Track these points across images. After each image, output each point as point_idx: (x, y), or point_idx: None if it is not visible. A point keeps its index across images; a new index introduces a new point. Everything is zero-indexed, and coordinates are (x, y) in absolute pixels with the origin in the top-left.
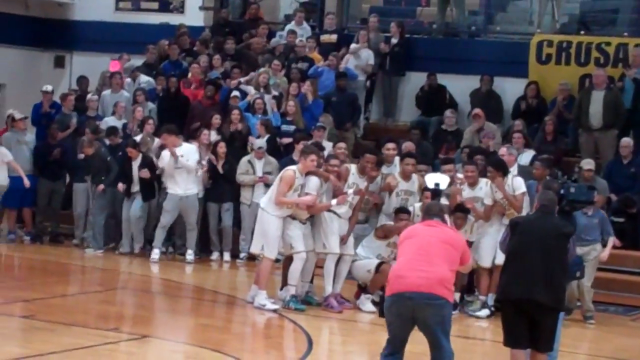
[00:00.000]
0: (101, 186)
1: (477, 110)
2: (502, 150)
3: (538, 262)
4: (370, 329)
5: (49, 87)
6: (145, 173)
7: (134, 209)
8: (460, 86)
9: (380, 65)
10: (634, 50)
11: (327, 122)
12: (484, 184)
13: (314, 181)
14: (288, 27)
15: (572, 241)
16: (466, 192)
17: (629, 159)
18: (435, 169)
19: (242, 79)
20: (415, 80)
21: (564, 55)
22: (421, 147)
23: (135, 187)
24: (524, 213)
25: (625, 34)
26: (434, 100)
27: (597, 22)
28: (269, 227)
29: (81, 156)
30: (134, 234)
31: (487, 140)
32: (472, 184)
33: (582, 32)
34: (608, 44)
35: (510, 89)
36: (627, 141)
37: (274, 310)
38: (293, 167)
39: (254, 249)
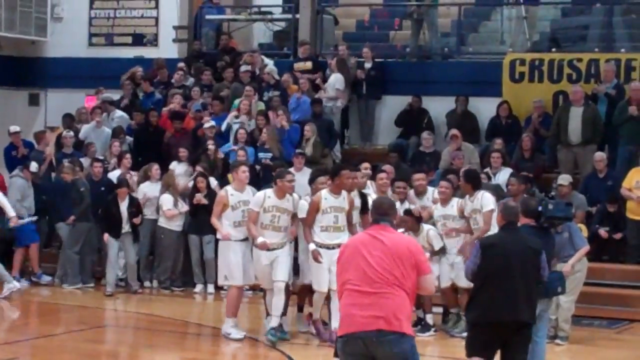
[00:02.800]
0: (72, 217)
1: (454, 131)
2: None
3: (519, 282)
4: None
5: (16, 128)
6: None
7: (130, 253)
8: (436, 107)
9: (355, 90)
10: (605, 65)
11: (312, 131)
12: (456, 202)
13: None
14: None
15: (543, 257)
16: (438, 211)
17: (604, 172)
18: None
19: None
20: (392, 104)
21: (537, 72)
22: (400, 170)
23: (125, 227)
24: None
25: (596, 49)
26: (414, 122)
27: (568, 39)
28: (227, 252)
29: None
30: (129, 276)
31: (457, 161)
32: (444, 201)
33: (554, 50)
34: (580, 60)
35: (485, 108)
36: (600, 155)
37: (239, 339)
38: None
39: (220, 281)
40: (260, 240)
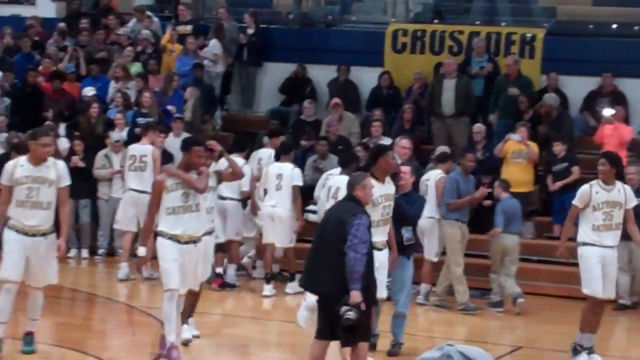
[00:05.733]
0: None
1: (336, 100)
2: None
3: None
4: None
5: None
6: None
7: None
8: (318, 76)
9: (237, 55)
10: (478, 42)
11: (192, 95)
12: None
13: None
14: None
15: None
16: None
17: (482, 144)
18: (298, 159)
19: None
20: (273, 71)
21: (419, 44)
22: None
23: None
24: None
25: (478, 22)
26: (297, 90)
27: (451, 11)
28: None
29: None
30: None
31: (332, 129)
32: None
33: (436, 21)
34: (461, 32)
35: (367, 78)
36: (479, 127)
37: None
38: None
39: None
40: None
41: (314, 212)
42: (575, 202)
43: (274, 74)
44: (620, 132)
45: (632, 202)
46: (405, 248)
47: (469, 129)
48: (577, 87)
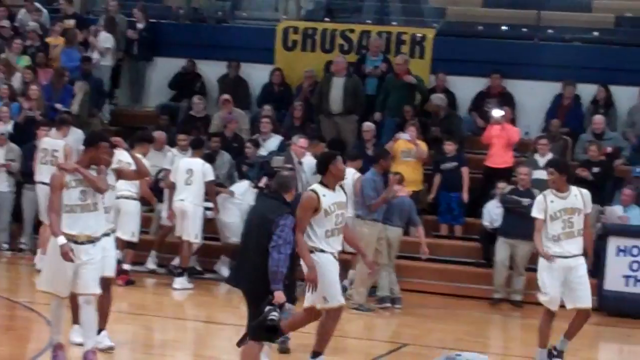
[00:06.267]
0: None
1: (226, 96)
2: None
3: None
4: None
5: None
6: None
7: None
8: (208, 72)
9: (127, 50)
10: (374, 39)
11: (80, 89)
12: None
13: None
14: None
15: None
16: None
17: (372, 142)
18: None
19: None
20: (164, 66)
21: (310, 42)
22: (170, 133)
23: None
24: None
25: (369, 21)
26: (187, 85)
27: (343, 9)
28: None
29: None
30: None
31: (232, 125)
32: None
33: (327, 20)
34: (352, 31)
35: (257, 75)
36: (368, 125)
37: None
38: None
39: None
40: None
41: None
42: (534, 214)
43: (163, 69)
44: (508, 132)
45: (589, 207)
46: None
47: (357, 127)
48: (466, 88)
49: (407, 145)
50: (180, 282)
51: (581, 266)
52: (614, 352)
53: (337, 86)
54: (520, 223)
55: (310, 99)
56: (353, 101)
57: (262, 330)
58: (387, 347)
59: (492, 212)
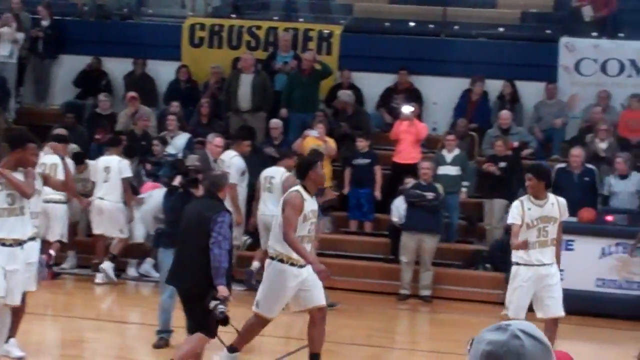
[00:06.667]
0: None
1: (132, 94)
2: None
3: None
4: None
5: None
6: None
7: None
8: (114, 69)
9: (31, 47)
10: (282, 35)
11: None
12: None
13: None
14: None
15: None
16: None
17: (279, 139)
18: (93, 152)
19: None
20: (69, 63)
21: (216, 38)
22: (76, 131)
23: None
24: None
25: (276, 18)
26: (93, 83)
27: (249, 6)
28: None
29: None
30: None
31: (142, 123)
32: None
33: (234, 16)
34: (259, 27)
35: (164, 71)
36: (276, 122)
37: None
38: None
39: None
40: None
41: None
42: (511, 220)
43: (69, 67)
44: (417, 128)
45: (565, 215)
46: (159, 236)
47: (266, 123)
48: (374, 84)
49: (315, 142)
50: (101, 276)
51: (554, 275)
52: None
53: (245, 83)
54: (425, 217)
55: (218, 95)
56: (261, 98)
57: (215, 323)
58: (296, 344)
59: (401, 208)
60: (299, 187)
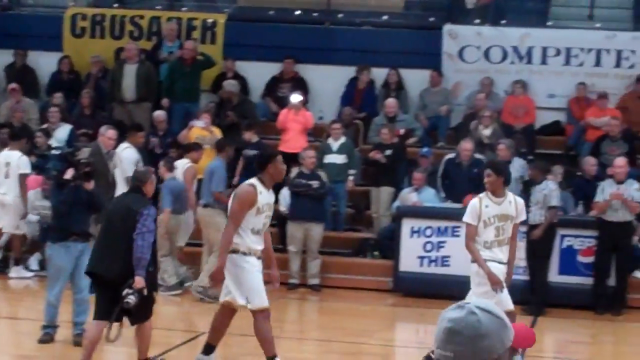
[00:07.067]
0: None
1: (13, 85)
2: None
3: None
4: None
5: None
6: None
7: None
8: None
9: None
10: (167, 24)
11: None
12: None
13: None
14: None
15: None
16: None
17: (163, 130)
18: None
19: None
20: None
21: (98, 28)
22: None
23: None
24: None
25: (159, 7)
26: None
27: None
28: None
29: None
30: None
31: (18, 115)
32: None
33: (116, 6)
34: (141, 17)
35: (45, 63)
36: (159, 113)
37: None
38: None
39: None
40: None
41: None
42: (467, 219)
43: None
44: (304, 117)
45: (522, 216)
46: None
47: (150, 114)
48: (259, 73)
49: (201, 133)
50: (16, 270)
51: (503, 274)
52: (410, 331)
53: (130, 73)
54: (310, 206)
55: (101, 86)
56: (146, 88)
57: (120, 311)
58: (184, 336)
59: (287, 198)
60: (254, 181)
